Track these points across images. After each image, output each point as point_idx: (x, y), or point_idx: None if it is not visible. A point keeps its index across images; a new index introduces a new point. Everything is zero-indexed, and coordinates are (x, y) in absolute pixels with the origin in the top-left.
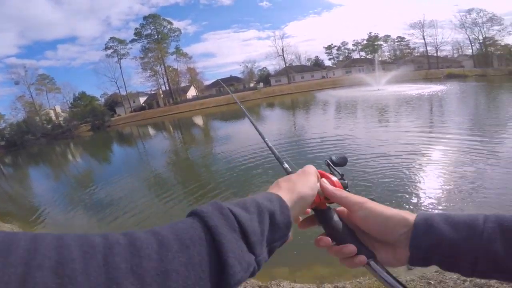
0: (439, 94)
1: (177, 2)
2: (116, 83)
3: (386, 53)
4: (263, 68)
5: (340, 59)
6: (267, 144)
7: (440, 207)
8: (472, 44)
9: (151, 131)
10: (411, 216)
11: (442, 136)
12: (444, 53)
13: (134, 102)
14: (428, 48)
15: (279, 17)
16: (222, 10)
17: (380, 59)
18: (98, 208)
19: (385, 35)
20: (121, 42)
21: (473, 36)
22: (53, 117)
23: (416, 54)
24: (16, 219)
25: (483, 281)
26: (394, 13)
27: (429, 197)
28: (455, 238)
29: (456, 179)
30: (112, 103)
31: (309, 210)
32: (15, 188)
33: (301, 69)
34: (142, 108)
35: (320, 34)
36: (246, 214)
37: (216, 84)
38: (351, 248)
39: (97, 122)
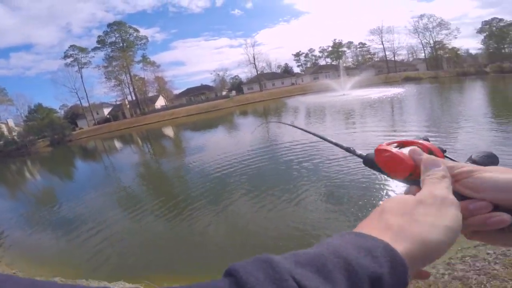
0: (399, 96)
1: (144, 9)
2: (77, 93)
3: (350, 59)
4: (235, 76)
5: (308, 65)
6: (326, 139)
7: None
8: (424, 48)
9: (118, 144)
10: None
11: (404, 134)
12: (400, 57)
13: (97, 113)
14: (387, 53)
15: (251, 25)
16: (192, 18)
17: (344, 65)
18: (61, 226)
19: (348, 42)
20: (83, 50)
21: (425, 40)
22: (5, 132)
23: (376, 59)
24: None
25: (460, 273)
26: (356, 20)
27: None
28: None
29: None
30: (73, 116)
31: None
32: None
33: (272, 76)
34: (106, 120)
35: (289, 42)
36: (322, 284)
37: (186, 93)
38: None
39: (57, 136)
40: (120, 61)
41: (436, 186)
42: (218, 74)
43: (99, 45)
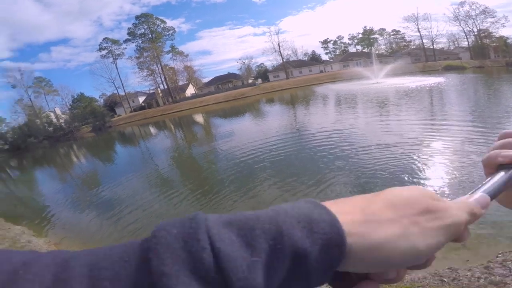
0: (439, 86)
1: (168, 1)
2: (113, 83)
3: (382, 46)
4: (261, 64)
5: (337, 53)
6: None
7: (445, 196)
8: (467, 37)
9: (153, 130)
10: None
11: (444, 127)
12: (440, 46)
13: (133, 102)
14: (424, 41)
15: (274, 13)
16: (215, 7)
17: (377, 52)
18: (105, 207)
19: (380, 29)
20: (115, 42)
21: (468, 28)
22: (54, 120)
23: (412, 47)
24: (26, 221)
25: (498, 278)
26: (387, 7)
27: (432, 187)
28: None
29: (459, 169)
30: (112, 104)
31: None
32: (23, 191)
33: (299, 64)
34: (141, 108)
35: (315, 29)
36: (243, 251)
37: (214, 81)
38: None
39: (98, 123)
40: (151, 52)
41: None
42: (244, 62)
43: (129, 37)
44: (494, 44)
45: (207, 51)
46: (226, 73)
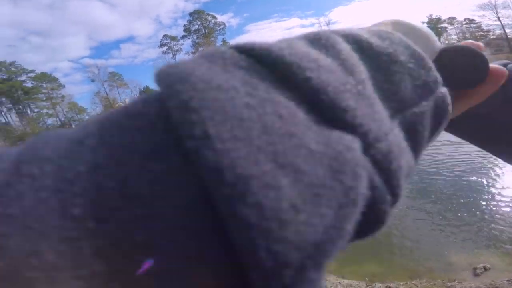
0: None
1: None
2: None
3: (454, 36)
4: None
5: None
6: None
7: None
8: None
9: None
10: None
11: None
12: None
13: None
14: (507, 30)
15: (322, 4)
16: (260, 0)
17: (446, 42)
18: None
19: (450, 17)
20: (173, 38)
21: None
22: None
23: (492, 37)
24: None
25: None
26: None
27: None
28: None
29: None
30: None
31: None
32: None
33: None
34: None
35: (371, 18)
36: (276, 43)
37: None
38: None
39: None
40: (205, 47)
41: None
42: None
43: (185, 33)
44: None
45: None
46: None
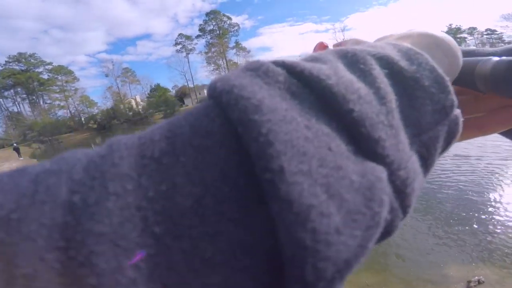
0: None
1: None
2: (185, 76)
3: (473, 47)
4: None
5: None
6: None
7: None
8: None
9: None
10: None
11: None
12: None
13: (200, 94)
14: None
15: (339, 9)
16: (276, 4)
17: None
18: None
19: (470, 27)
20: (188, 38)
21: None
22: (134, 106)
23: None
24: None
25: None
26: (479, 5)
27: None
28: None
29: None
30: (181, 95)
31: None
32: None
33: None
34: None
35: (387, 26)
36: (320, 64)
37: None
38: None
39: (169, 111)
40: (218, 47)
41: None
42: None
43: (200, 33)
44: None
45: (267, 48)
46: None
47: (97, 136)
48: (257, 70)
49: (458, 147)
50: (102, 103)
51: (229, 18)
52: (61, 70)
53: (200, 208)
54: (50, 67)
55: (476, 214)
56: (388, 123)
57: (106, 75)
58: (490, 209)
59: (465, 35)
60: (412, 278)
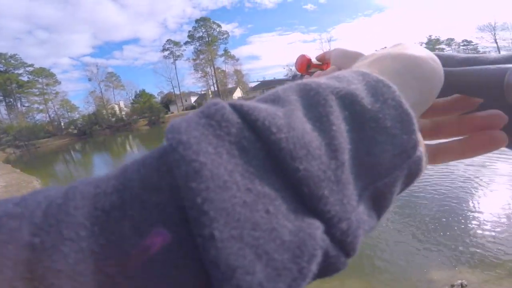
0: None
1: (224, 5)
2: (171, 82)
3: (475, 54)
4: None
5: None
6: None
7: (501, 228)
8: None
9: None
10: None
11: None
12: None
13: (186, 101)
14: (502, 53)
15: (325, 20)
16: (266, 13)
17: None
18: None
19: (448, 39)
20: (176, 44)
21: None
22: (117, 111)
23: None
24: None
25: None
26: (458, 16)
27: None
28: None
29: None
30: (167, 101)
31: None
32: (80, 172)
33: None
34: (192, 107)
35: (372, 37)
36: (271, 106)
37: (260, 86)
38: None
39: (153, 118)
40: (206, 55)
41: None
42: (291, 69)
43: (189, 40)
44: None
45: (256, 56)
46: (273, 78)
47: (77, 142)
48: (212, 117)
49: None
50: (84, 108)
51: (219, 26)
52: (43, 72)
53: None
54: (31, 69)
55: (456, 219)
56: (335, 179)
57: (90, 79)
58: (469, 214)
59: (444, 46)
60: (396, 283)
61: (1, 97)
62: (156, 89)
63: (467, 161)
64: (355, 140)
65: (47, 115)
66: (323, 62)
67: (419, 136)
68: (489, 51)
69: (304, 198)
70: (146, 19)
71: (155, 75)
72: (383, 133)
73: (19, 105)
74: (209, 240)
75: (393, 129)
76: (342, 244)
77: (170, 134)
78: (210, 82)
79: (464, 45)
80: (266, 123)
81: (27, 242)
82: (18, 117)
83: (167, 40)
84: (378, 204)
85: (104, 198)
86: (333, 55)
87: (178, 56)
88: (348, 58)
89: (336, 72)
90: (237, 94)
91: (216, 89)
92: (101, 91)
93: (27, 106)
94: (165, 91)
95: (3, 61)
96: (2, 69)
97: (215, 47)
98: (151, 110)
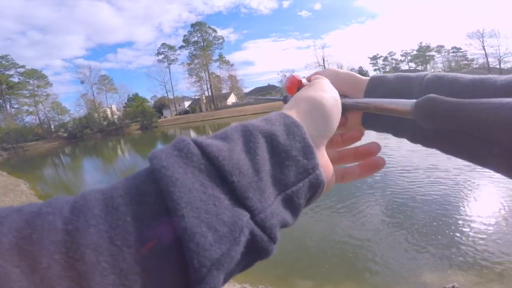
0: None
1: (220, 10)
2: (165, 87)
3: (439, 65)
4: (302, 77)
5: (387, 70)
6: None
7: (491, 234)
8: None
9: (193, 134)
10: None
11: None
12: (508, 65)
13: (179, 105)
14: (490, 60)
15: (320, 27)
16: (261, 19)
17: (432, 70)
18: None
19: (438, 46)
20: (171, 48)
21: None
22: (109, 115)
23: (474, 66)
24: None
25: None
26: (448, 23)
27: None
28: (398, 88)
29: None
30: (160, 106)
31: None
32: (69, 177)
33: None
34: (186, 112)
35: (365, 44)
36: (221, 142)
37: (254, 92)
38: None
39: (146, 122)
40: (201, 59)
41: (315, 80)
42: (285, 75)
43: (184, 44)
44: None
45: (250, 62)
46: (266, 84)
47: (66, 146)
48: (181, 150)
49: (428, 160)
50: (75, 110)
51: (214, 31)
52: (34, 73)
53: (142, 231)
54: (22, 70)
55: (447, 223)
56: (256, 187)
57: (82, 82)
58: (460, 217)
59: (434, 53)
60: (389, 286)
61: None
62: (150, 93)
63: (458, 165)
64: (272, 164)
65: (37, 117)
66: None
67: (321, 160)
68: (477, 58)
69: (237, 198)
70: (141, 22)
71: (149, 79)
72: (290, 159)
73: (8, 107)
74: (181, 217)
75: (298, 156)
76: (262, 227)
77: (154, 160)
78: (204, 87)
79: (453, 52)
80: (216, 155)
81: (62, 228)
82: (6, 118)
83: (162, 44)
84: (290, 205)
85: (111, 200)
86: (327, 73)
87: (173, 60)
88: (340, 79)
89: (268, 115)
90: (231, 99)
91: (210, 94)
92: (93, 94)
93: (17, 108)
94: (159, 95)
95: None
96: None
97: (210, 52)
98: (143, 114)
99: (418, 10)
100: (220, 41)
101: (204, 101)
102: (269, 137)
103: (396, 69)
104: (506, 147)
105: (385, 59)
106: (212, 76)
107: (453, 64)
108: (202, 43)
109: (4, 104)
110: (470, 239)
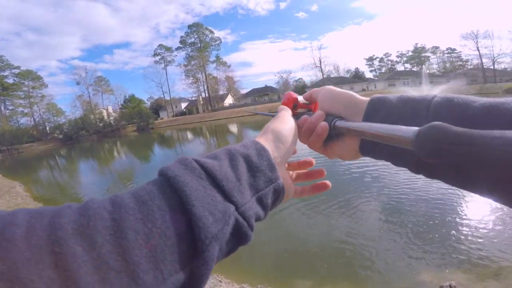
0: None
1: (217, 11)
2: (161, 88)
3: (435, 66)
4: (299, 79)
5: (383, 71)
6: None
7: (486, 235)
8: None
9: (190, 135)
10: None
11: None
12: (502, 66)
13: (176, 107)
14: (484, 60)
15: (316, 28)
16: (258, 20)
17: (427, 71)
18: None
19: (433, 47)
20: (168, 49)
21: None
22: (105, 116)
23: (469, 67)
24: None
25: None
26: (443, 24)
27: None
28: (402, 112)
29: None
30: (157, 107)
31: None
32: (64, 178)
33: (340, 80)
34: (183, 113)
35: (361, 45)
36: (213, 161)
37: (251, 93)
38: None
39: (142, 123)
40: (198, 61)
41: (279, 112)
42: (282, 76)
43: (181, 45)
44: None
45: (248, 63)
46: (264, 86)
47: (62, 148)
48: (187, 165)
49: None
50: (71, 112)
51: (212, 32)
52: (29, 74)
53: (164, 217)
54: (17, 71)
55: (443, 223)
56: (238, 189)
57: (78, 83)
58: (456, 217)
59: (429, 54)
60: (387, 285)
61: None
62: (146, 94)
63: None
64: (248, 175)
65: (32, 119)
66: (311, 102)
67: (282, 173)
68: (472, 59)
69: (226, 196)
70: (138, 23)
71: (145, 80)
72: (260, 172)
73: (2, 108)
74: (192, 206)
75: (265, 170)
76: (243, 216)
77: (169, 171)
78: (201, 88)
79: (448, 53)
80: (211, 168)
81: (108, 217)
82: (1, 120)
83: (159, 45)
84: (261, 203)
85: (140, 197)
86: (321, 96)
87: (170, 61)
88: (336, 99)
89: (244, 141)
90: (228, 100)
91: (207, 95)
92: (89, 95)
93: (11, 109)
94: (155, 97)
95: None
96: None
97: (207, 53)
98: (140, 116)
99: (416, 10)
100: (217, 42)
101: (201, 102)
102: (245, 157)
103: (391, 70)
104: None
105: (381, 60)
106: (209, 78)
107: (448, 65)
108: (199, 44)
109: None
110: (466, 238)
